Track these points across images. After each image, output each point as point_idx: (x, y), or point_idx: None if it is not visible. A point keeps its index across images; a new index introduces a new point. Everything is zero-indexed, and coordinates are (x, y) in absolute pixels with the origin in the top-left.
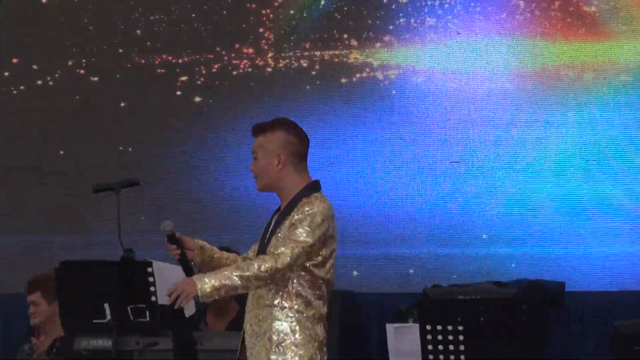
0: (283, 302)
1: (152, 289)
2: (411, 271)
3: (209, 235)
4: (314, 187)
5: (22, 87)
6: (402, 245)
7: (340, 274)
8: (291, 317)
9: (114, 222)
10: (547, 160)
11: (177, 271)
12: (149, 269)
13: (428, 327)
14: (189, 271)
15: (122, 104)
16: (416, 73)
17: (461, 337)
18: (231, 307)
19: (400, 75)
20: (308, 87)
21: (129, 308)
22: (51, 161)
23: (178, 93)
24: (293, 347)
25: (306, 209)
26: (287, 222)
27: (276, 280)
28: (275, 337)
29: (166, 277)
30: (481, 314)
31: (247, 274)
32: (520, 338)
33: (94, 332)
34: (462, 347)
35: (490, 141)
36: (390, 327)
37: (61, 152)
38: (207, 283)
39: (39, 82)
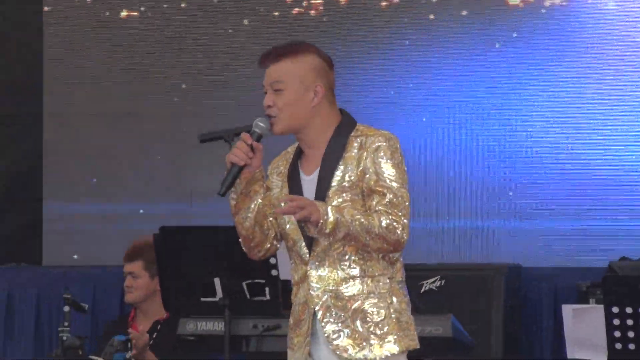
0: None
1: (272, 260)
2: (591, 243)
3: None
4: (352, 120)
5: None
6: (579, 213)
7: (504, 244)
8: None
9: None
10: None
11: None
12: None
13: (615, 310)
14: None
15: None
16: None
17: None
18: None
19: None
20: (431, 16)
21: (244, 284)
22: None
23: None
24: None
25: (377, 143)
26: (343, 168)
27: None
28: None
29: None
30: None
31: (372, 228)
32: None
33: (202, 313)
34: None
35: None
36: (567, 309)
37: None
38: (330, 213)
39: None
